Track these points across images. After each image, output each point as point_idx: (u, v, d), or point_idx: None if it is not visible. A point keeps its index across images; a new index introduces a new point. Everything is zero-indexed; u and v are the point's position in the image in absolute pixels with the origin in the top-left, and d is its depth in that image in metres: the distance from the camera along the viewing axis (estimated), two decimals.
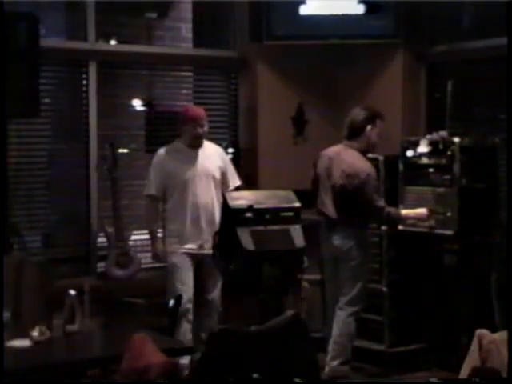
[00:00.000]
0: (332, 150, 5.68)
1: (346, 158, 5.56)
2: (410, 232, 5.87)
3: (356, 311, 5.61)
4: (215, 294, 5.75)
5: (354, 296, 5.59)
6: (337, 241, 5.58)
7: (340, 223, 5.58)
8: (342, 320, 5.60)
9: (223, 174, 5.77)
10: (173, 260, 5.64)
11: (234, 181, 5.85)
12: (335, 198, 5.59)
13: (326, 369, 5.58)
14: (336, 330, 5.61)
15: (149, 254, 5.93)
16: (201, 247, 5.64)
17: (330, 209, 5.62)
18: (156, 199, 5.67)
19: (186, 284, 5.58)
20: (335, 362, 5.59)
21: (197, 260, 5.66)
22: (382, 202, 5.52)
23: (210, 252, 5.59)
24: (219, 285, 5.74)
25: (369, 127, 5.58)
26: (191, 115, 5.63)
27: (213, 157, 5.74)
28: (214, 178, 5.68)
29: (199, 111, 5.71)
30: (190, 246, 5.63)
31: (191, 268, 5.64)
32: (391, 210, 5.60)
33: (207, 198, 5.64)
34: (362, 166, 5.51)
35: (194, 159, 5.63)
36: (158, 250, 5.71)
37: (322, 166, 5.69)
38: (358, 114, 5.62)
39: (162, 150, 5.71)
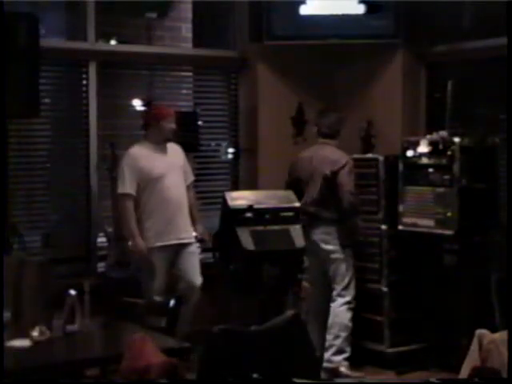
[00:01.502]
0: (310, 150, 5.96)
1: (325, 152, 5.82)
2: (409, 232, 5.87)
3: (348, 301, 5.76)
4: (195, 278, 5.78)
5: (344, 286, 5.76)
6: (317, 236, 5.74)
7: (320, 219, 5.74)
8: (333, 310, 5.75)
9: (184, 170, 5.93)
10: (149, 258, 5.68)
11: (191, 177, 5.99)
12: (318, 190, 5.73)
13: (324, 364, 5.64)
14: (329, 320, 5.75)
15: None
16: (178, 238, 5.74)
17: (310, 206, 5.77)
18: (130, 197, 5.71)
19: (160, 281, 5.69)
20: (329, 353, 5.70)
21: (174, 250, 5.76)
22: (351, 188, 5.63)
23: (188, 240, 5.76)
24: (198, 270, 5.81)
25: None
26: (166, 112, 5.82)
27: (177, 153, 5.91)
28: (181, 171, 5.85)
29: (170, 109, 5.93)
30: (168, 239, 5.71)
31: (168, 261, 5.74)
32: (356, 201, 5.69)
33: (180, 189, 5.79)
34: (341, 157, 5.76)
35: (164, 155, 5.79)
36: (140, 247, 5.67)
37: (303, 166, 5.89)
38: (336, 117, 5.95)
39: (132, 150, 5.76)
